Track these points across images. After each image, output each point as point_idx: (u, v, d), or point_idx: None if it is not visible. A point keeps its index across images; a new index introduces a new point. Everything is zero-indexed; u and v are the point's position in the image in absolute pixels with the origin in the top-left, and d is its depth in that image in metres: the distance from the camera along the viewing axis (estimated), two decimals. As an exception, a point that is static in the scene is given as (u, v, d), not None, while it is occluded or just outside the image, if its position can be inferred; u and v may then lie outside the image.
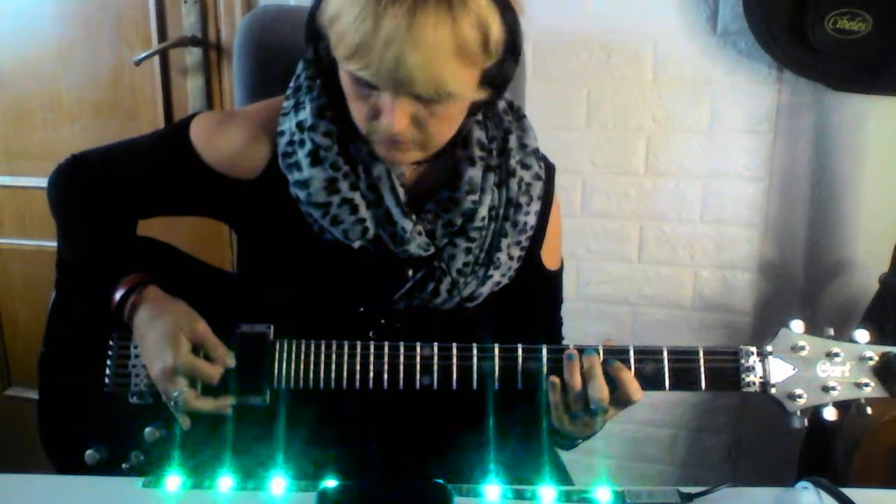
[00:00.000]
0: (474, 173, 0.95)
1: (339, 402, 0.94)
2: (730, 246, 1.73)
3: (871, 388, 0.85)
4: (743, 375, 0.87)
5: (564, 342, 1.09)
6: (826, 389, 0.85)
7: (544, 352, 0.90)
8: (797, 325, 0.88)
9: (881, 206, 1.62)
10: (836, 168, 1.63)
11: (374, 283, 0.98)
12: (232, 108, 1.62)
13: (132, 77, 1.88)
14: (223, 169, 0.98)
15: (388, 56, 0.75)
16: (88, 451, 0.98)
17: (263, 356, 0.94)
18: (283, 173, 0.95)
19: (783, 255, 1.71)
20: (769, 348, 0.87)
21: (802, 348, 0.86)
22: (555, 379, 0.89)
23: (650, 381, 0.88)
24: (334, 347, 0.93)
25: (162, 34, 1.83)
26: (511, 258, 0.99)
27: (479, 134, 0.96)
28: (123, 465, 0.98)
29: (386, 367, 0.91)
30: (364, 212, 0.93)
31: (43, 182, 1.06)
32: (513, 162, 0.98)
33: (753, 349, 0.88)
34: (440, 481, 0.80)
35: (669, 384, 0.88)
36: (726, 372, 0.88)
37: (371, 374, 0.92)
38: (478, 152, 0.96)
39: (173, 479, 0.88)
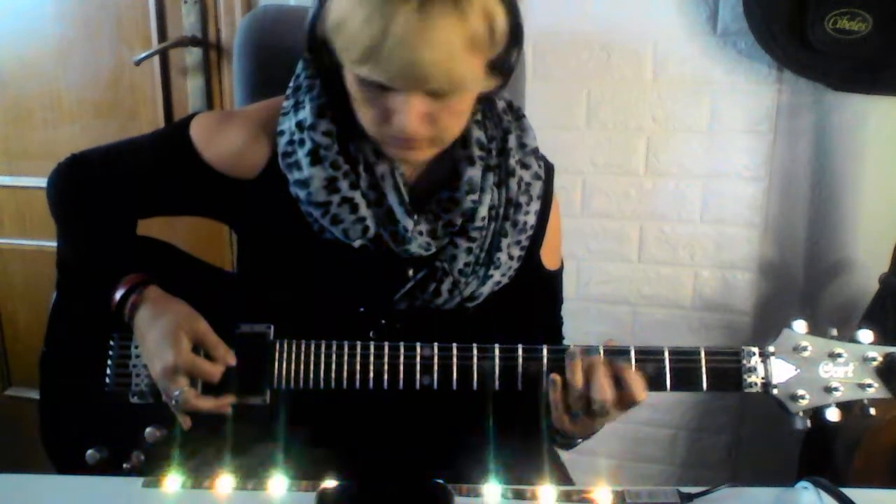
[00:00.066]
0: (474, 173, 0.95)
1: (339, 401, 0.94)
2: (730, 246, 1.73)
3: (875, 389, 0.84)
4: (745, 376, 0.87)
5: (565, 342, 1.09)
6: (829, 390, 0.85)
7: (545, 352, 0.90)
8: (800, 326, 0.87)
9: (881, 206, 1.62)
10: (836, 168, 1.63)
11: (374, 283, 0.98)
12: (232, 108, 1.62)
13: (132, 77, 1.88)
14: (223, 168, 0.98)
15: (401, 55, 0.76)
16: (89, 451, 0.98)
17: (263, 356, 0.94)
18: (283, 173, 0.95)
19: (783, 255, 1.71)
20: (771, 349, 0.87)
21: (805, 349, 0.86)
22: (556, 377, 0.88)
23: (651, 382, 0.88)
24: (334, 347, 0.93)
25: (162, 34, 1.83)
26: (511, 258, 0.99)
27: (478, 134, 0.96)
28: (124, 465, 0.98)
29: (386, 367, 0.91)
30: (364, 211, 0.93)
31: (43, 182, 1.06)
32: (512, 161, 0.98)
33: (755, 349, 0.87)
34: (440, 481, 0.80)
35: (671, 385, 0.88)
36: (728, 372, 0.87)
37: (371, 374, 0.91)
38: (477, 152, 0.96)
39: (173, 479, 0.88)
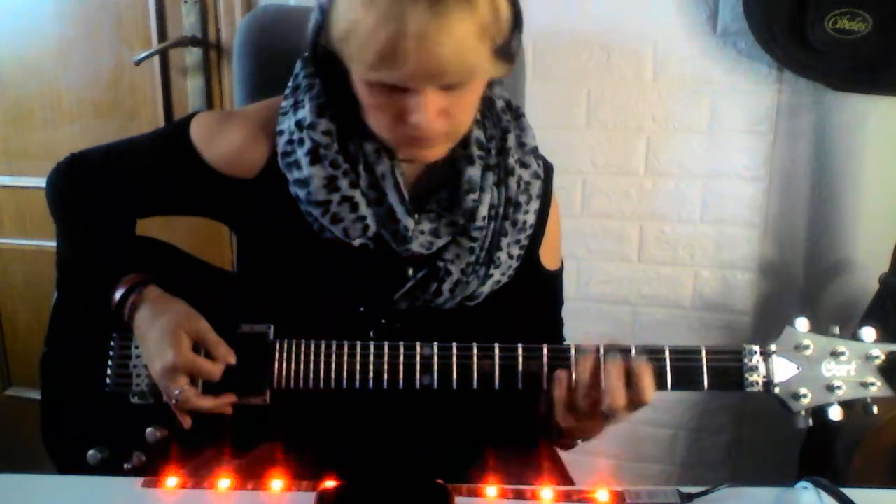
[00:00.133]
0: (473, 172, 0.95)
1: (339, 402, 0.94)
2: (730, 246, 1.73)
3: (878, 388, 0.84)
4: (746, 375, 0.86)
5: (565, 343, 1.09)
6: (831, 389, 0.85)
7: (545, 351, 0.90)
8: (802, 324, 0.86)
9: (881, 206, 1.62)
10: (836, 168, 1.63)
11: (374, 283, 0.98)
12: (232, 107, 1.62)
13: (132, 77, 1.88)
14: (223, 168, 0.98)
15: (419, 53, 0.76)
16: (90, 452, 0.98)
17: (264, 356, 0.94)
18: (283, 172, 0.95)
19: (783, 255, 1.71)
20: (773, 347, 0.86)
21: (807, 347, 0.85)
22: (561, 373, 0.88)
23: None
24: (334, 347, 0.92)
25: (162, 34, 1.83)
26: (511, 257, 0.99)
27: (477, 133, 0.96)
28: (125, 465, 0.98)
29: (386, 366, 0.91)
30: (364, 209, 0.93)
31: (43, 182, 1.06)
32: (511, 160, 0.98)
33: (757, 348, 0.87)
34: (440, 481, 0.80)
35: (672, 384, 0.87)
36: (729, 371, 0.87)
37: (371, 374, 0.91)
38: (476, 151, 0.96)
39: (173, 479, 0.88)
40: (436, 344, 0.91)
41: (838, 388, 0.85)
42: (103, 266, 1.01)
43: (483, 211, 0.95)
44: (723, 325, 1.77)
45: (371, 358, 0.92)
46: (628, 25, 1.63)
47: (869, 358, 0.85)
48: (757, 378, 0.86)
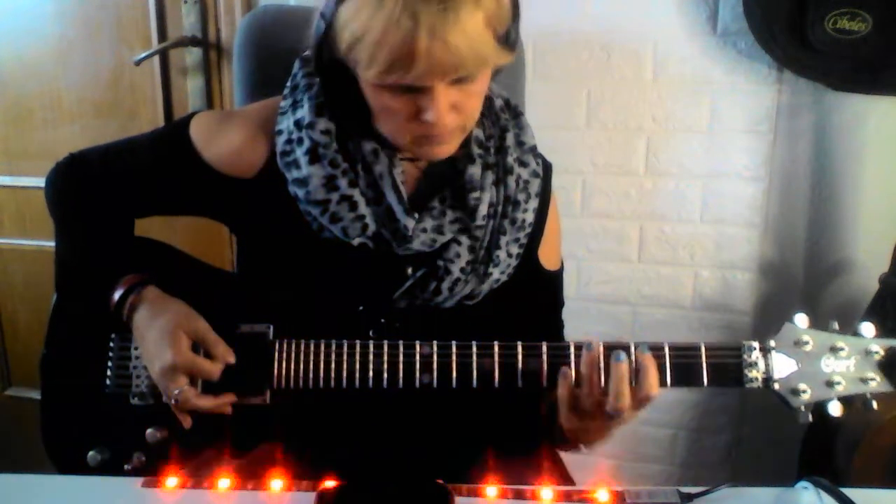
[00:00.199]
0: (474, 170, 0.95)
1: (339, 401, 0.94)
2: (730, 246, 1.73)
3: (877, 383, 0.84)
4: (745, 371, 0.86)
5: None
6: (830, 384, 0.85)
7: (544, 349, 0.90)
8: (801, 320, 0.87)
9: (881, 206, 1.62)
10: (836, 168, 1.63)
11: (373, 282, 0.98)
12: (232, 107, 1.62)
13: (132, 77, 1.88)
14: (222, 167, 0.98)
15: (434, 50, 0.76)
16: (91, 453, 0.98)
17: (263, 356, 0.94)
18: (282, 172, 0.95)
19: (783, 255, 1.71)
20: (772, 343, 0.86)
21: (806, 343, 0.86)
22: (563, 372, 0.87)
23: None
24: (334, 347, 0.92)
25: (162, 34, 1.83)
26: (510, 256, 1.00)
27: (476, 132, 0.96)
28: (126, 466, 0.98)
29: (385, 365, 0.91)
30: (363, 209, 0.93)
31: (43, 182, 1.06)
32: (510, 159, 0.98)
33: (756, 344, 0.87)
34: (440, 481, 0.80)
35: (671, 380, 0.87)
36: (729, 367, 0.87)
37: (371, 373, 0.91)
38: (476, 150, 0.96)
39: (173, 479, 0.88)
40: (435, 343, 0.91)
41: (838, 383, 0.85)
42: (102, 266, 1.01)
43: (483, 210, 0.96)
44: (723, 325, 1.77)
45: (370, 357, 0.92)
46: (628, 25, 1.63)
47: (868, 353, 0.85)
48: (756, 374, 0.86)
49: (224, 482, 0.87)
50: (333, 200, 0.93)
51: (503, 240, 0.98)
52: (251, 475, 0.88)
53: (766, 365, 0.86)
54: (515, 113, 1.02)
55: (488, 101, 0.99)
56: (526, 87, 1.37)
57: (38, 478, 0.90)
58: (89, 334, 1.02)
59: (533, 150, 1.02)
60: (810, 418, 0.85)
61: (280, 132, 0.95)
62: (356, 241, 0.95)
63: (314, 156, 0.92)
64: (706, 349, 0.87)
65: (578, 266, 1.80)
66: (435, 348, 0.91)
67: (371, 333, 0.97)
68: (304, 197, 0.93)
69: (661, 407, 1.85)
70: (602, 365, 0.86)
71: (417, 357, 0.91)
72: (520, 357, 0.90)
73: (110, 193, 1.03)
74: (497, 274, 0.99)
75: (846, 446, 1.42)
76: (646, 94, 1.67)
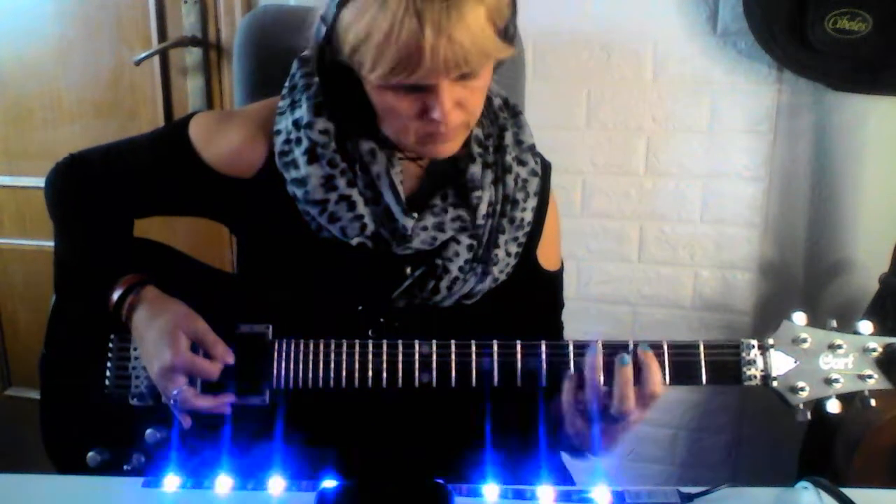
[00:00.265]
0: (475, 169, 0.95)
1: (339, 401, 0.94)
2: (730, 246, 1.73)
3: (875, 380, 0.84)
4: (744, 369, 0.87)
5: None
6: (829, 382, 0.85)
7: (543, 348, 0.90)
8: (799, 318, 0.87)
9: (881, 206, 1.62)
10: (836, 168, 1.63)
11: (372, 282, 0.98)
12: (232, 107, 1.62)
13: (132, 77, 1.88)
14: (221, 167, 0.98)
15: (439, 48, 0.76)
16: (90, 454, 0.98)
17: (262, 356, 0.94)
18: (281, 172, 0.95)
19: (783, 255, 1.71)
20: (770, 341, 0.87)
21: (804, 340, 0.86)
22: (570, 373, 0.87)
23: None
24: (333, 346, 0.92)
25: (162, 34, 1.83)
26: (508, 255, 1.00)
27: (476, 131, 0.96)
28: (125, 467, 0.98)
29: (385, 365, 0.91)
30: (362, 208, 0.93)
31: (43, 182, 1.06)
32: (509, 158, 0.98)
33: (755, 342, 0.87)
34: (440, 481, 0.80)
35: (670, 378, 0.87)
36: (727, 365, 0.87)
37: (370, 373, 0.91)
38: (476, 149, 0.96)
39: (173, 480, 0.88)
40: (434, 342, 0.91)
41: (836, 381, 0.85)
42: (101, 266, 1.01)
43: (483, 209, 0.96)
44: (723, 325, 1.77)
45: (370, 357, 0.92)
46: (628, 25, 1.63)
47: (866, 351, 0.85)
48: (755, 372, 0.87)
49: (224, 482, 0.87)
50: (332, 200, 0.93)
51: (502, 239, 0.98)
52: (251, 475, 0.88)
53: (765, 363, 0.86)
54: (514, 112, 1.02)
55: (487, 100, 0.99)
56: (526, 87, 1.37)
57: (38, 478, 0.90)
58: (89, 335, 1.02)
59: (531, 148, 1.02)
60: (809, 416, 0.86)
61: (278, 132, 0.95)
62: (355, 241, 0.95)
63: (312, 156, 0.92)
64: (705, 347, 0.87)
65: (578, 266, 1.79)
66: (434, 348, 0.91)
67: (370, 333, 0.97)
68: (303, 197, 0.93)
69: (661, 407, 1.83)
70: (602, 365, 0.86)
71: (417, 356, 0.91)
72: (519, 356, 0.90)
73: (110, 194, 1.03)
74: (496, 273, 0.99)
75: (846, 446, 1.42)
76: (646, 94, 1.67)
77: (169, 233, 1.12)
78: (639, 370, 0.85)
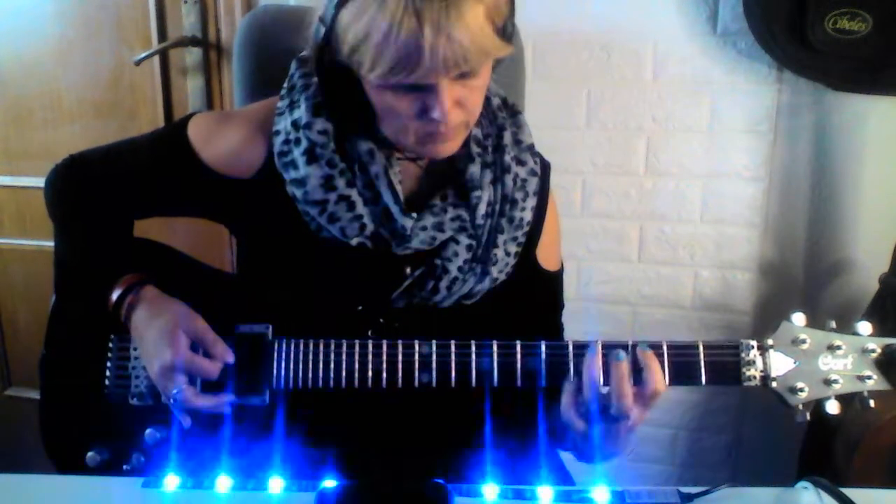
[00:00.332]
0: (475, 169, 0.95)
1: (339, 401, 0.94)
2: (730, 246, 1.73)
3: (874, 381, 0.84)
4: (743, 369, 0.87)
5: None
6: (828, 382, 0.85)
7: (542, 348, 0.90)
8: (799, 318, 0.87)
9: (881, 206, 1.62)
10: (836, 168, 1.63)
11: (372, 282, 0.98)
12: (232, 108, 1.62)
13: (132, 77, 1.88)
14: (220, 168, 0.98)
15: (439, 47, 0.77)
16: (90, 454, 0.98)
17: (262, 356, 0.94)
18: (280, 172, 0.95)
19: (783, 255, 1.71)
20: (770, 342, 0.87)
21: (804, 341, 0.86)
22: (569, 376, 0.88)
23: None
24: (333, 346, 0.92)
25: (162, 34, 1.83)
26: (508, 254, 1.00)
27: (475, 130, 0.96)
28: (125, 467, 0.98)
29: (385, 365, 0.91)
30: (361, 208, 0.93)
31: (43, 182, 1.06)
32: (507, 158, 0.98)
33: (754, 343, 0.87)
34: (440, 481, 0.80)
35: (670, 378, 0.87)
36: (727, 366, 0.87)
37: (370, 373, 0.91)
38: (475, 148, 0.96)
39: (173, 479, 0.88)
40: (434, 342, 0.91)
41: (835, 381, 0.85)
42: (101, 266, 1.01)
43: (482, 208, 0.96)
44: (723, 325, 1.77)
45: (370, 357, 0.92)
46: (628, 25, 1.63)
47: (865, 352, 0.85)
48: (754, 372, 0.87)
49: (224, 482, 0.87)
50: (331, 200, 0.93)
51: (501, 238, 0.98)
52: (251, 475, 0.88)
53: (764, 363, 0.87)
54: (513, 111, 1.02)
55: (486, 99, 0.99)
56: (526, 86, 1.37)
57: (38, 478, 0.90)
58: (88, 335, 1.02)
59: (531, 148, 1.02)
60: (808, 417, 0.86)
61: (277, 132, 0.95)
62: (354, 241, 0.95)
63: (312, 156, 0.92)
64: (704, 348, 0.87)
65: (578, 266, 1.79)
66: (434, 348, 0.91)
67: (370, 333, 0.97)
68: (302, 197, 0.93)
69: (661, 407, 1.84)
70: (602, 366, 0.86)
71: (416, 357, 0.91)
72: (518, 357, 0.90)
73: (109, 195, 1.03)
74: (495, 273, 0.99)
75: (846, 446, 1.42)
76: (646, 94, 1.67)
77: (169, 233, 1.12)
78: (640, 370, 0.85)
